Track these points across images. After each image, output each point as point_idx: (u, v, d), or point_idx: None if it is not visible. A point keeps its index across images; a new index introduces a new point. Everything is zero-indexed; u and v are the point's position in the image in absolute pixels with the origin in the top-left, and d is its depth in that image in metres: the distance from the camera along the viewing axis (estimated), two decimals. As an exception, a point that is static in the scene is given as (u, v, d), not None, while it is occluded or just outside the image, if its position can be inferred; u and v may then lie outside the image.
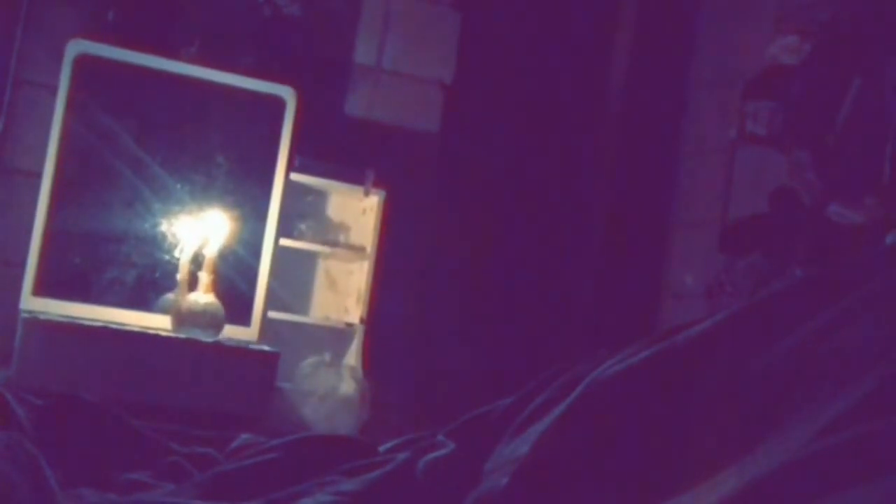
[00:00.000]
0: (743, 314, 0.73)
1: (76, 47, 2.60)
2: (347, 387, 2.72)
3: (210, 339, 2.49)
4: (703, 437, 0.64)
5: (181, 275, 2.58)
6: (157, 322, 2.57)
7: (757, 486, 0.52)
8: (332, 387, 2.70)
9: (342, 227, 3.10)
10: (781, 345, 0.67)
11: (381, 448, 1.27)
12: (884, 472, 0.48)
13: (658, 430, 0.68)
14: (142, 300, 2.65)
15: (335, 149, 3.02)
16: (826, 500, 0.48)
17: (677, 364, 0.71)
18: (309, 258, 3.10)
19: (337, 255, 3.08)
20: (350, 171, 2.99)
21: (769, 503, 0.51)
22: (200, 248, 2.58)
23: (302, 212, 3.04)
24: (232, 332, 2.62)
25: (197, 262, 2.57)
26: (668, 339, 0.73)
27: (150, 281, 2.68)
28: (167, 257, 2.68)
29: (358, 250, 3.02)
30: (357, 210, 3.08)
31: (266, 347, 2.61)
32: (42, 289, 2.54)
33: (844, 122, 1.88)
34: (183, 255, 2.61)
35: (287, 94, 2.76)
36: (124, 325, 2.54)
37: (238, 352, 2.56)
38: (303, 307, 3.09)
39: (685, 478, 0.62)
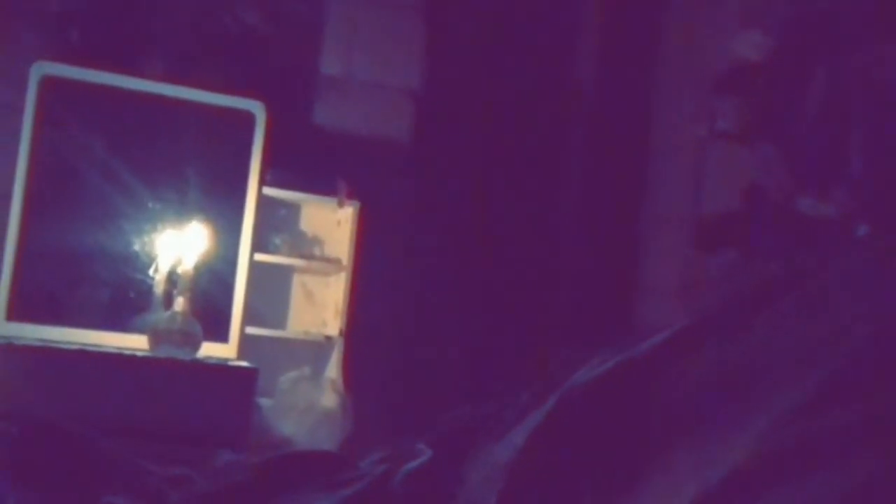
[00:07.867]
0: (702, 318, 0.73)
1: (40, 69, 2.58)
2: (328, 400, 2.71)
3: (188, 358, 2.48)
4: (663, 444, 0.64)
5: (157, 294, 2.56)
6: (134, 342, 2.55)
7: (708, 492, 0.53)
8: (313, 401, 2.69)
9: (317, 240, 3.09)
10: (736, 343, 0.67)
11: (362, 462, 1.25)
12: (825, 468, 0.48)
13: (622, 438, 0.68)
14: (118, 321, 2.63)
15: (307, 161, 3.01)
16: (771, 498, 0.49)
17: (637, 374, 0.71)
18: (285, 272, 3.09)
19: (313, 268, 3.07)
20: (323, 183, 2.98)
21: None
22: (175, 266, 2.56)
23: (276, 226, 3.03)
24: (210, 350, 2.60)
25: (172, 280, 2.56)
26: (631, 348, 0.73)
27: (125, 301, 2.66)
28: (142, 276, 2.66)
29: (334, 262, 3.01)
30: (331, 222, 3.07)
31: (245, 364, 2.60)
32: (16, 313, 2.52)
33: (811, 115, 1.88)
34: (158, 274, 2.59)
35: (256, 108, 2.75)
36: (101, 346, 2.52)
37: (217, 369, 2.55)
38: (281, 322, 3.08)
39: (647, 484, 0.62)
